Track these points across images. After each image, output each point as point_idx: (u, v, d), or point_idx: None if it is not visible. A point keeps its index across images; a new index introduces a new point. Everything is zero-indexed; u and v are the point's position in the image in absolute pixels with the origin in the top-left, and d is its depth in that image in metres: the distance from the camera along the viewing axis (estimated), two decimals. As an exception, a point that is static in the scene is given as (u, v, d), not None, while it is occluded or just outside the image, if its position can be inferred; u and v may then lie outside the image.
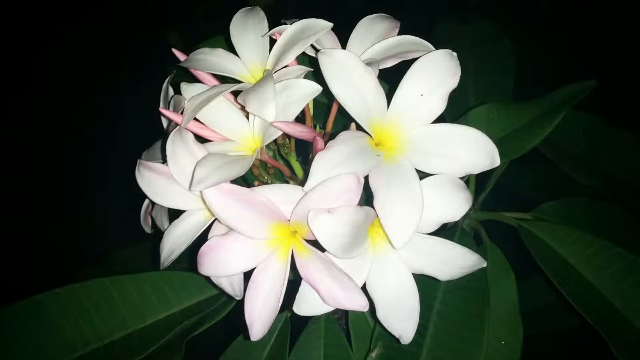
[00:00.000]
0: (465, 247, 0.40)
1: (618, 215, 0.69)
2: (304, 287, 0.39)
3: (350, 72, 0.39)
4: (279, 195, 0.38)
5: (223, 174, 0.37)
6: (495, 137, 0.56)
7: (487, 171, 0.41)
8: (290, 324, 0.52)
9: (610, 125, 0.72)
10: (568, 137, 0.70)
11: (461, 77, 0.42)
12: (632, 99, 1.02)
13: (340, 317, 0.54)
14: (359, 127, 0.41)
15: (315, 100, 0.47)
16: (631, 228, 0.68)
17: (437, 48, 0.43)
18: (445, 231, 0.57)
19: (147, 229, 0.50)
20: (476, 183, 0.66)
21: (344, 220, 0.37)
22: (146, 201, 0.49)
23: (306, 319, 0.52)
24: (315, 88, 0.40)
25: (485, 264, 0.41)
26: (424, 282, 0.50)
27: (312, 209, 0.36)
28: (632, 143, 0.73)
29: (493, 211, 0.65)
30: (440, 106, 0.41)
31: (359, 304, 0.37)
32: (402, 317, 0.40)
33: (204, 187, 0.36)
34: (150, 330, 0.49)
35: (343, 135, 0.39)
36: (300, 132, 0.39)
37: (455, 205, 0.39)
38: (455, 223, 0.61)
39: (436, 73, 0.40)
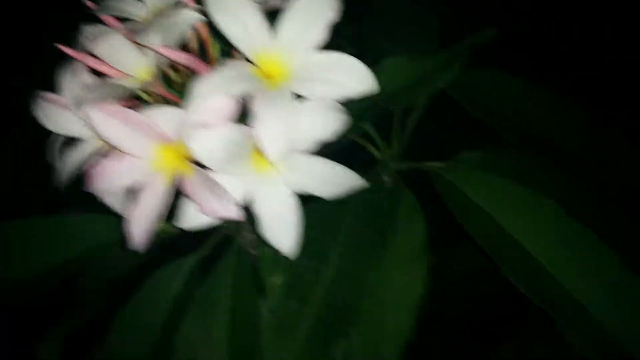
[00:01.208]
0: (343, 167, 0.43)
1: (542, 165, 0.70)
2: (185, 203, 0.41)
3: (233, 6, 0.42)
4: (160, 116, 0.40)
5: (105, 94, 0.39)
6: (402, 84, 0.60)
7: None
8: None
9: (530, 83, 0.74)
10: (491, 95, 0.73)
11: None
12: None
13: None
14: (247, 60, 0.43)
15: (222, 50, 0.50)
16: (554, 176, 0.69)
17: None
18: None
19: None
20: (401, 136, 0.68)
21: (219, 136, 0.39)
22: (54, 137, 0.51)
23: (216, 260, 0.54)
24: (195, 16, 0.42)
25: (367, 185, 0.44)
26: (330, 215, 0.53)
27: (190, 127, 0.39)
28: (554, 101, 0.76)
29: (413, 161, 0.66)
30: (321, 36, 0.43)
31: (235, 213, 0.39)
32: (281, 232, 0.42)
33: (86, 105, 0.38)
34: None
35: (227, 63, 0.42)
36: (182, 58, 0.42)
37: (328, 123, 0.41)
38: (375, 172, 0.63)
39: (316, 5, 0.43)
